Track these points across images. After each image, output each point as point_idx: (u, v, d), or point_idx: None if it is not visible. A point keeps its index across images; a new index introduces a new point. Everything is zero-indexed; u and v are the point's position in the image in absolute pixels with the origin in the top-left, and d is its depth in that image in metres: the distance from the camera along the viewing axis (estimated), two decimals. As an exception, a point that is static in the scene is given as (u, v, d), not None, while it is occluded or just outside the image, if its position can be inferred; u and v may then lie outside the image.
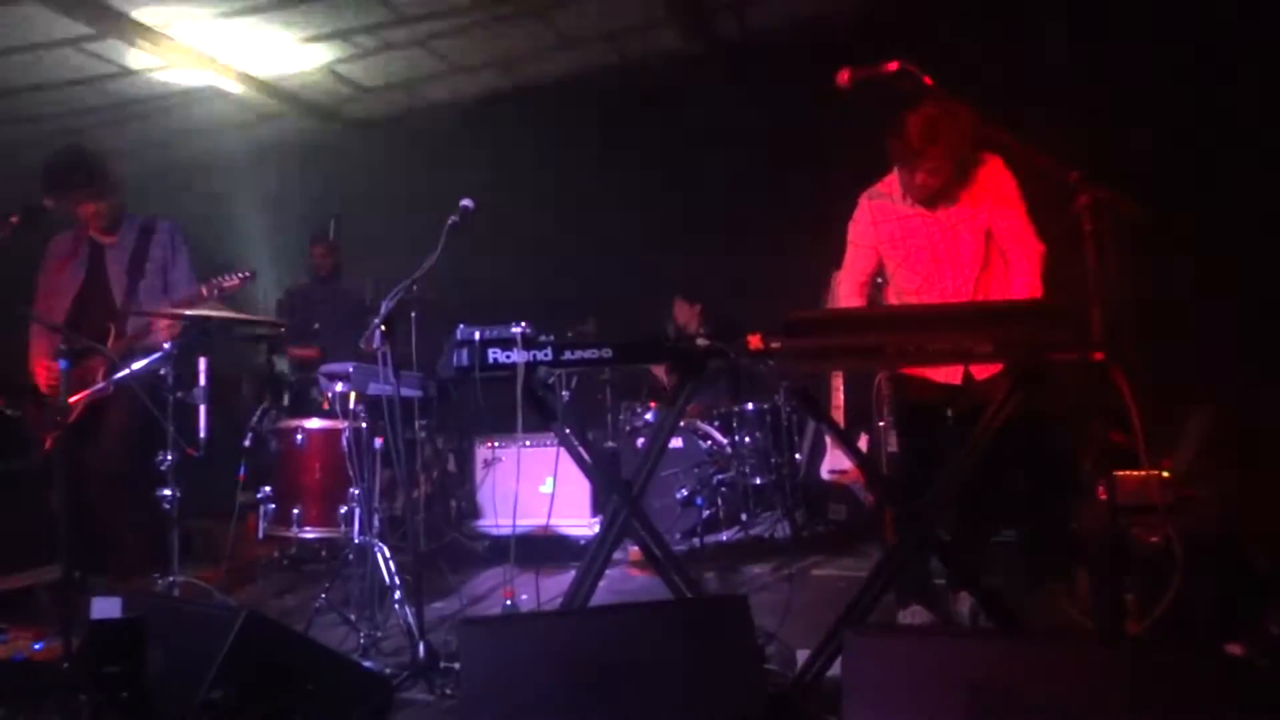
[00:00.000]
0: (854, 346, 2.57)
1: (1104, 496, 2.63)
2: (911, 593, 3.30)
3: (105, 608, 2.12)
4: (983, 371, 3.15)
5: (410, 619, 3.12)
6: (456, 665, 2.88)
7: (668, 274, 6.41)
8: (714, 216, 6.63)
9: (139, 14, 5.59)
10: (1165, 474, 2.92)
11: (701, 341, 2.82)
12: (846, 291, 3.35)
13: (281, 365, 5.60)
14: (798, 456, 5.57)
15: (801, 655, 2.77)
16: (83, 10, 5.41)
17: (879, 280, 3.44)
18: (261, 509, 4.14)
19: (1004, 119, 2.63)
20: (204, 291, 3.75)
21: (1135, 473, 2.85)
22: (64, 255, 4.03)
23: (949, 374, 3.20)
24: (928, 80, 2.63)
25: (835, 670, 2.48)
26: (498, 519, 4.99)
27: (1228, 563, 2.75)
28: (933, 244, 3.19)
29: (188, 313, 3.59)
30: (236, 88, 6.66)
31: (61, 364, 2.97)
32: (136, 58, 6.12)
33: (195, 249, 4.18)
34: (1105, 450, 2.54)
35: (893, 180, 3.26)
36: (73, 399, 3.50)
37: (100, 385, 3.64)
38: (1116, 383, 2.40)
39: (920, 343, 2.54)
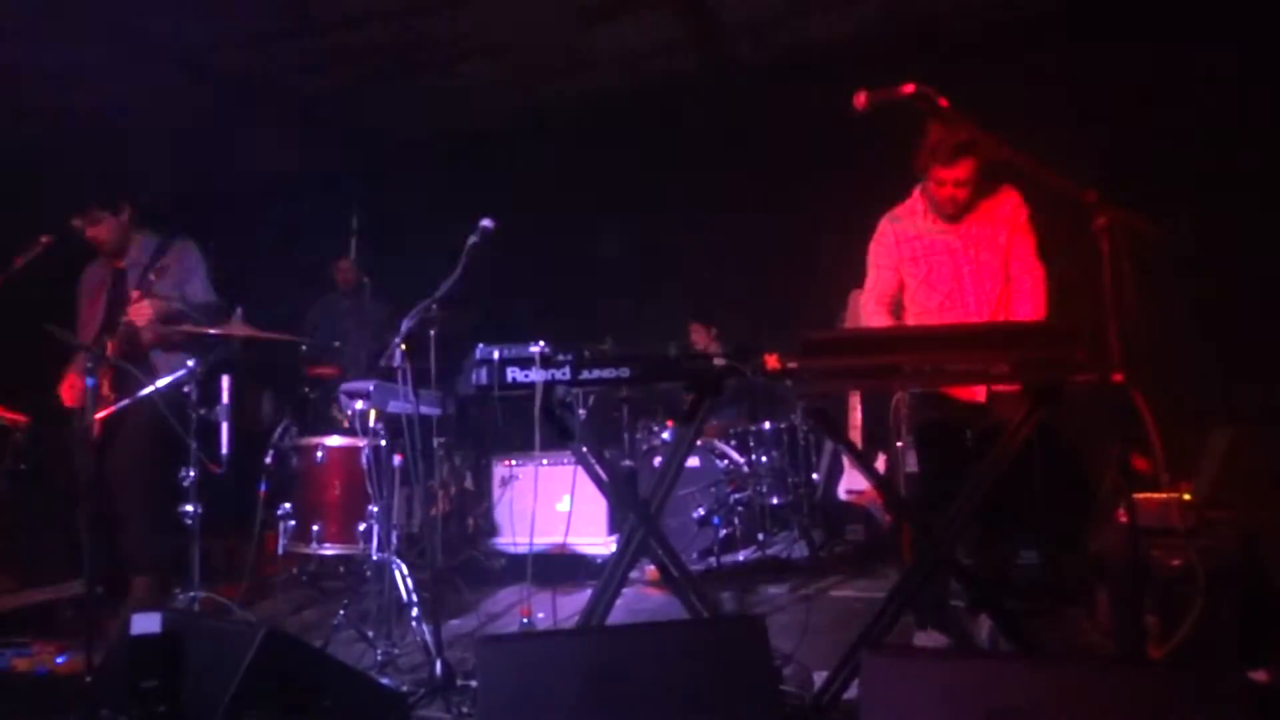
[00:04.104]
0: (871, 366, 2.58)
1: (1124, 519, 2.61)
2: (929, 615, 3.29)
3: (145, 623, 2.14)
4: (997, 388, 3.15)
5: (428, 636, 3.13)
6: (473, 683, 2.88)
7: (686, 293, 6.44)
8: (730, 237, 6.66)
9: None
10: (1186, 497, 2.89)
11: (718, 361, 2.83)
12: (873, 310, 3.36)
13: (302, 383, 5.64)
14: (815, 476, 5.56)
15: (819, 677, 2.77)
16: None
17: (899, 299, 3.45)
18: (281, 525, 4.17)
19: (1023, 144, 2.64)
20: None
21: (1156, 495, 2.83)
22: (94, 286, 4.10)
23: (971, 392, 3.21)
24: (943, 102, 2.65)
25: (852, 692, 2.47)
26: (515, 537, 5.00)
27: (1250, 587, 2.72)
28: (955, 260, 3.22)
29: (212, 331, 3.65)
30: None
31: (88, 381, 3.02)
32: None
33: (219, 271, 4.23)
34: (1125, 472, 2.52)
35: (914, 202, 3.30)
36: (98, 415, 3.55)
37: (122, 403, 3.68)
38: (1136, 404, 2.39)
39: (937, 363, 2.55)
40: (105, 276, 4.08)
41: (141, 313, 3.74)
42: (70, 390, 3.88)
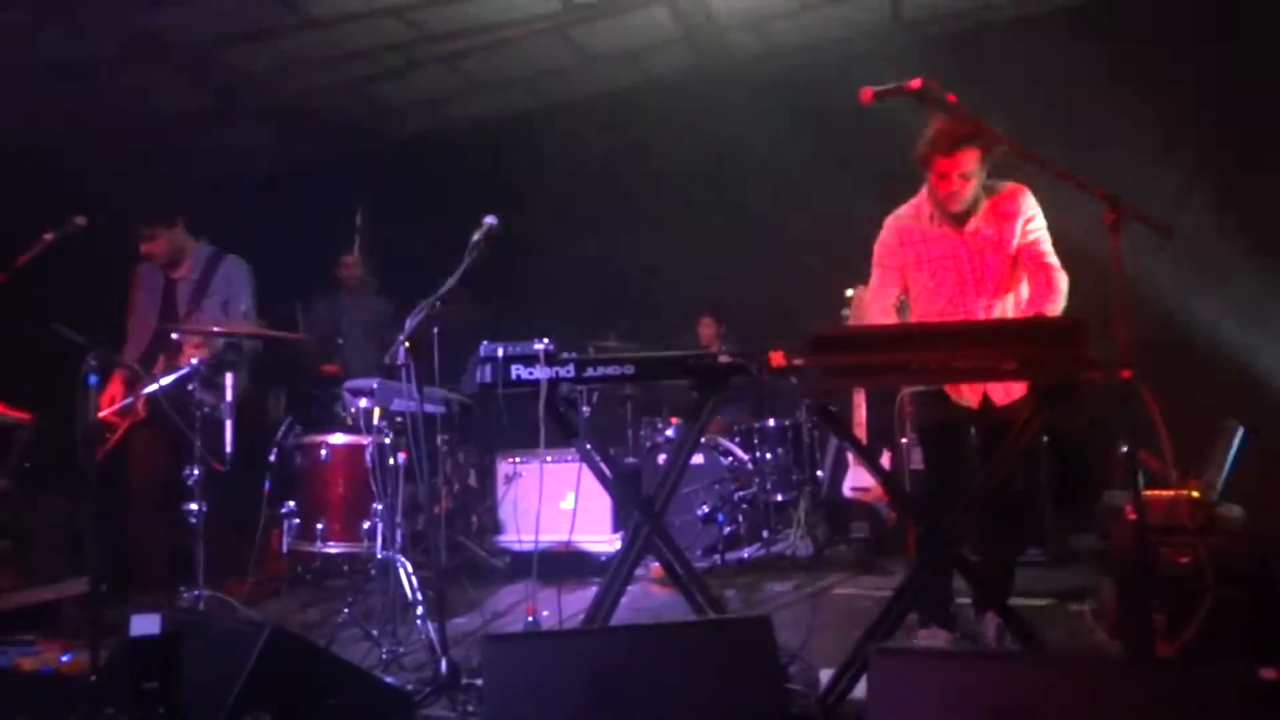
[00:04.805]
0: (878, 364, 2.56)
1: (1133, 516, 2.60)
2: (933, 613, 3.27)
3: (144, 624, 2.13)
4: (1004, 396, 3.12)
5: (433, 634, 3.12)
6: (478, 681, 2.87)
7: (690, 289, 6.43)
8: (736, 232, 6.64)
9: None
10: (1194, 494, 2.88)
11: (723, 358, 2.82)
12: (878, 311, 3.32)
13: (306, 381, 5.64)
14: (819, 473, 5.54)
15: (824, 675, 2.75)
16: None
17: (903, 298, 3.42)
18: (285, 523, 4.17)
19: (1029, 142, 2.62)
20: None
21: (1164, 492, 2.82)
22: (144, 285, 4.16)
23: (968, 397, 3.18)
24: (951, 97, 2.63)
25: (859, 691, 2.46)
26: (519, 534, 4.99)
27: (1259, 583, 2.70)
28: (959, 265, 3.16)
29: (216, 330, 3.64)
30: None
31: (90, 380, 3.01)
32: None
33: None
34: (1134, 469, 2.50)
35: (920, 203, 3.25)
36: (102, 414, 3.56)
37: (127, 401, 3.68)
38: (1144, 401, 2.37)
39: (945, 360, 2.52)
40: (159, 283, 4.13)
41: (198, 354, 3.78)
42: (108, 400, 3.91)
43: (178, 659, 2.16)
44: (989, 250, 3.14)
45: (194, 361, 3.54)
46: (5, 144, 6.10)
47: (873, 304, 3.37)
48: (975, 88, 2.97)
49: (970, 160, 2.99)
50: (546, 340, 2.83)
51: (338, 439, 4.24)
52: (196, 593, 3.52)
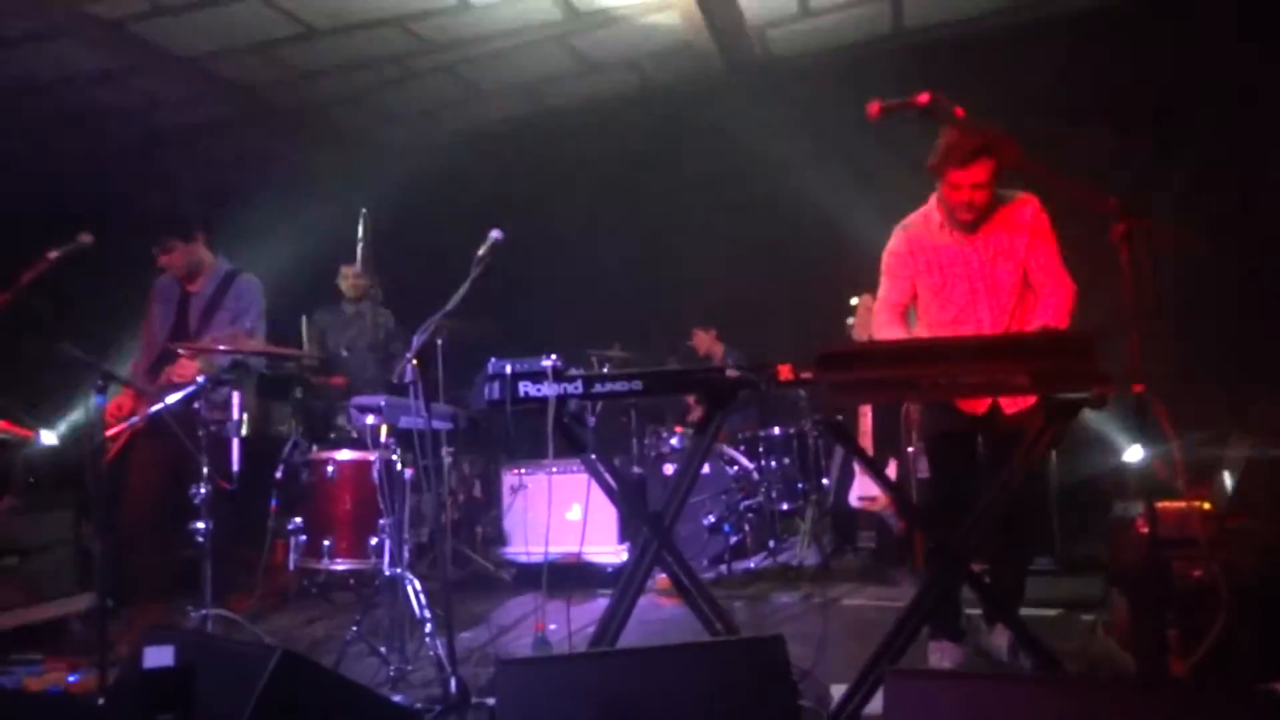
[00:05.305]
0: (887, 379, 2.54)
1: (1144, 529, 2.58)
2: (943, 625, 3.25)
3: (158, 656, 2.11)
4: (1012, 405, 3.11)
5: (441, 651, 3.10)
6: (489, 701, 2.86)
7: (694, 296, 6.43)
8: (738, 239, 6.64)
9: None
10: (1206, 506, 2.86)
11: (731, 373, 2.80)
12: (886, 320, 3.30)
13: (311, 396, 5.61)
14: (825, 482, 5.53)
15: (835, 690, 2.74)
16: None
17: (911, 307, 3.41)
18: (293, 540, 4.15)
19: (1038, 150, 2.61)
20: None
21: (1176, 504, 2.80)
22: (162, 297, 4.18)
23: (975, 405, 3.16)
24: (959, 111, 2.61)
25: (872, 707, 2.44)
26: (527, 546, 4.98)
27: (1273, 597, 2.69)
28: (970, 273, 3.15)
29: (222, 348, 3.63)
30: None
31: (97, 399, 3.00)
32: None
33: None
34: (1145, 481, 2.49)
35: (928, 212, 3.23)
36: (110, 431, 3.55)
37: (134, 419, 3.67)
38: (1156, 413, 2.35)
39: (954, 375, 2.51)
40: (175, 294, 4.17)
41: (185, 372, 3.78)
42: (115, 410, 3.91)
43: (191, 689, 2.15)
44: (999, 260, 3.13)
45: (200, 380, 3.53)
46: (9, 155, 6.12)
47: (880, 313, 3.36)
48: (978, 95, 2.95)
49: (983, 172, 2.98)
50: (554, 356, 2.82)
51: (344, 455, 4.22)
52: (204, 612, 3.50)
